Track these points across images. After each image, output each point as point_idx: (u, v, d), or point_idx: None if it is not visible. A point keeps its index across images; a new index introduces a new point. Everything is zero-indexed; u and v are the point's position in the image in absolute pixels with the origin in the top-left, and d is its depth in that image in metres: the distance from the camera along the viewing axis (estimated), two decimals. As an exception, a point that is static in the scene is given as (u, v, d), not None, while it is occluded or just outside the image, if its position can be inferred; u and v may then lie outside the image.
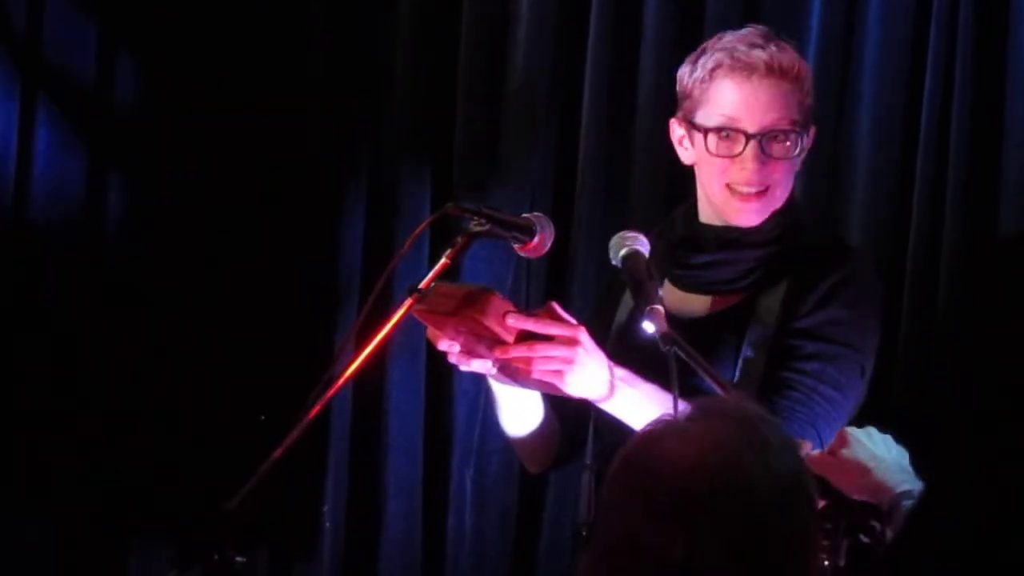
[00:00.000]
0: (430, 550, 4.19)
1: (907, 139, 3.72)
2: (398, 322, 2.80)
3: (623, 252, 2.94)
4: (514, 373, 2.96)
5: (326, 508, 4.22)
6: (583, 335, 2.86)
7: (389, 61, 4.25)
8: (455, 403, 4.14)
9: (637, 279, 2.88)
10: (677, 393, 2.70)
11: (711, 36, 3.84)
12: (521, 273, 4.10)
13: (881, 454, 2.61)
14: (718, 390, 2.75)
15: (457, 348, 2.92)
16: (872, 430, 2.66)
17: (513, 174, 4.11)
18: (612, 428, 3.04)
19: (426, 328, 2.94)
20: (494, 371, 2.95)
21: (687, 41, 3.86)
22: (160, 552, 4.23)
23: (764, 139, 3.02)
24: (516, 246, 2.98)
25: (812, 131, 3.09)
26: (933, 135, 3.67)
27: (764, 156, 3.02)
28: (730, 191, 3.06)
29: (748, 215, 3.07)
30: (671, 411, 2.68)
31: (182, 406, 4.27)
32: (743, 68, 3.03)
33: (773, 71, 3.03)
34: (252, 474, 2.68)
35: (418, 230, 3.25)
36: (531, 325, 2.85)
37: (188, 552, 2.64)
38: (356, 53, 4.27)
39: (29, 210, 4.35)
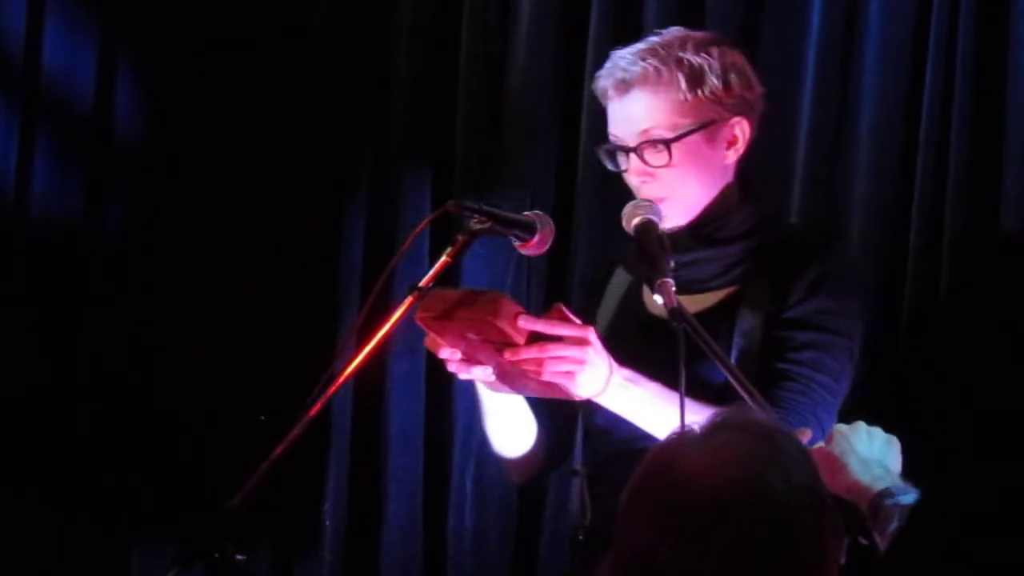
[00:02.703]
0: (430, 549, 4.19)
1: (907, 138, 3.73)
2: (399, 320, 2.80)
3: (636, 221, 2.95)
4: (514, 380, 2.96)
5: (327, 506, 4.22)
6: (592, 335, 2.87)
7: (390, 61, 4.26)
8: (456, 402, 4.14)
9: (649, 251, 2.89)
10: (684, 370, 2.70)
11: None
12: (521, 272, 4.10)
13: (861, 450, 2.61)
14: (724, 371, 2.76)
15: (459, 355, 2.93)
16: (859, 424, 2.66)
17: (514, 173, 4.12)
18: (604, 434, 3.07)
19: (426, 333, 2.95)
20: (493, 378, 2.96)
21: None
22: (161, 550, 4.23)
23: (640, 150, 3.06)
24: (517, 244, 2.99)
25: (735, 122, 3.08)
26: (933, 134, 3.67)
27: (647, 166, 3.05)
28: None
29: (660, 226, 3.09)
30: (677, 408, 2.71)
31: (183, 406, 4.28)
32: (612, 86, 3.08)
33: (634, 83, 3.06)
34: (253, 473, 2.69)
35: (418, 228, 3.25)
36: (541, 326, 2.86)
37: (189, 550, 2.64)
38: (356, 53, 4.28)
39: (30, 208, 4.36)
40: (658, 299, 2.78)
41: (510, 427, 3.18)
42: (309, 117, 4.30)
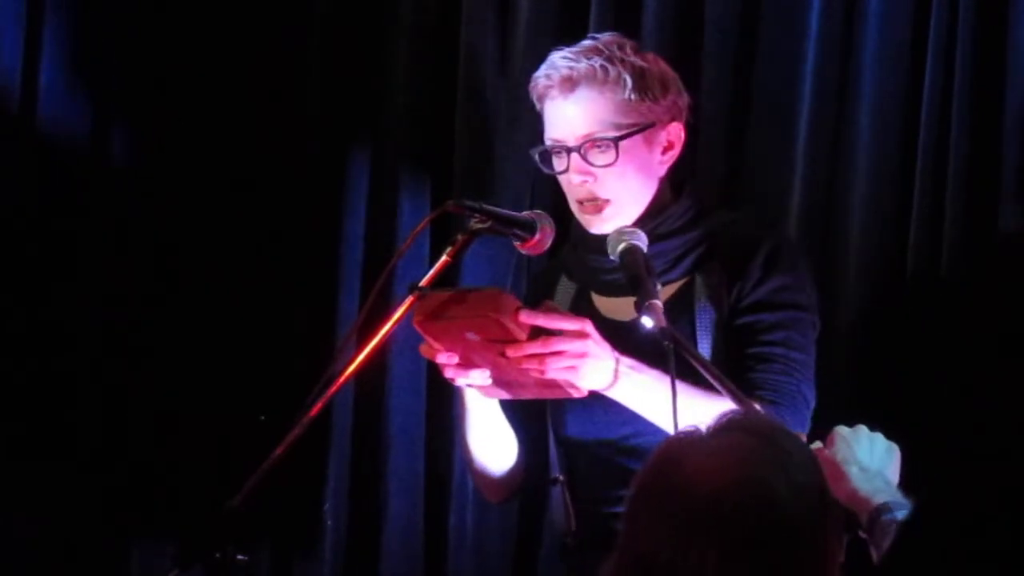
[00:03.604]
0: (431, 548, 4.19)
1: (907, 138, 3.73)
2: (399, 320, 2.81)
3: (621, 247, 2.96)
4: (511, 384, 2.96)
5: (327, 506, 4.22)
6: (590, 327, 2.88)
7: (390, 61, 4.25)
8: (456, 401, 4.14)
9: (637, 275, 2.90)
10: (675, 389, 2.73)
11: (710, 37, 3.87)
12: (521, 271, 4.10)
13: (862, 457, 2.61)
14: (713, 381, 2.77)
15: (456, 360, 2.93)
16: (862, 428, 2.66)
17: (514, 172, 4.11)
18: (577, 442, 3.09)
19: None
20: (490, 382, 2.96)
21: (686, 42, 3.87)
22: (162, 551, 4.23)
23: (584, 150, 3.07)
24: (517, 243, 2.99)
25: (673, 128, 3.13)
26: (933, 134, 3.67)
27: (589, 166, 3.07)
28: (580, 207, 3.12)
29: (601, 229, 3.10)
30: (683, 392, 2.75)
31: (183, 405, 4.27)
32: (554, 86, 3.10)
33: (581, 81, 3.08)
34: (253, 473, 2.69)
35: (418, 228, 3.27)
36: (541, 320, 2.87)
37: (190, 550, 2.65)
38: (356, 53, 4.28)
39: (28, 203, 4.36)
40: (648, 321, 2.80)
41: (495, 443, 3.19)
42: (309, 117, 4.30)
